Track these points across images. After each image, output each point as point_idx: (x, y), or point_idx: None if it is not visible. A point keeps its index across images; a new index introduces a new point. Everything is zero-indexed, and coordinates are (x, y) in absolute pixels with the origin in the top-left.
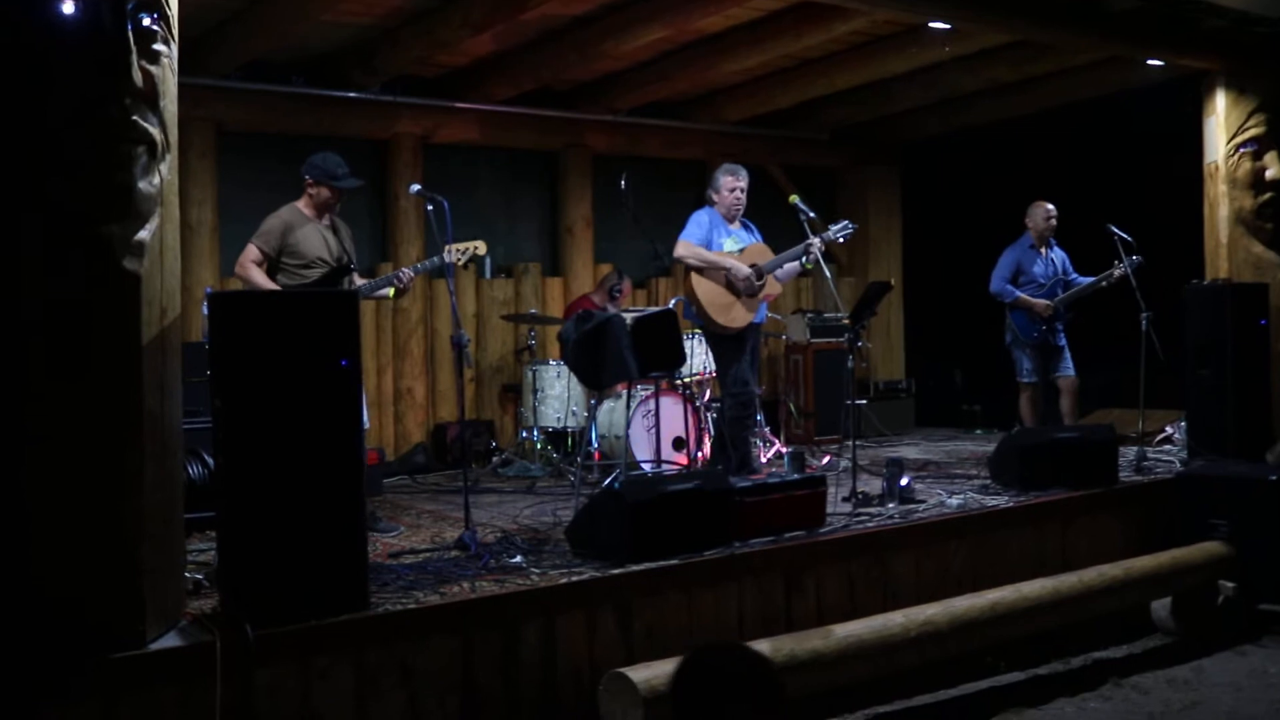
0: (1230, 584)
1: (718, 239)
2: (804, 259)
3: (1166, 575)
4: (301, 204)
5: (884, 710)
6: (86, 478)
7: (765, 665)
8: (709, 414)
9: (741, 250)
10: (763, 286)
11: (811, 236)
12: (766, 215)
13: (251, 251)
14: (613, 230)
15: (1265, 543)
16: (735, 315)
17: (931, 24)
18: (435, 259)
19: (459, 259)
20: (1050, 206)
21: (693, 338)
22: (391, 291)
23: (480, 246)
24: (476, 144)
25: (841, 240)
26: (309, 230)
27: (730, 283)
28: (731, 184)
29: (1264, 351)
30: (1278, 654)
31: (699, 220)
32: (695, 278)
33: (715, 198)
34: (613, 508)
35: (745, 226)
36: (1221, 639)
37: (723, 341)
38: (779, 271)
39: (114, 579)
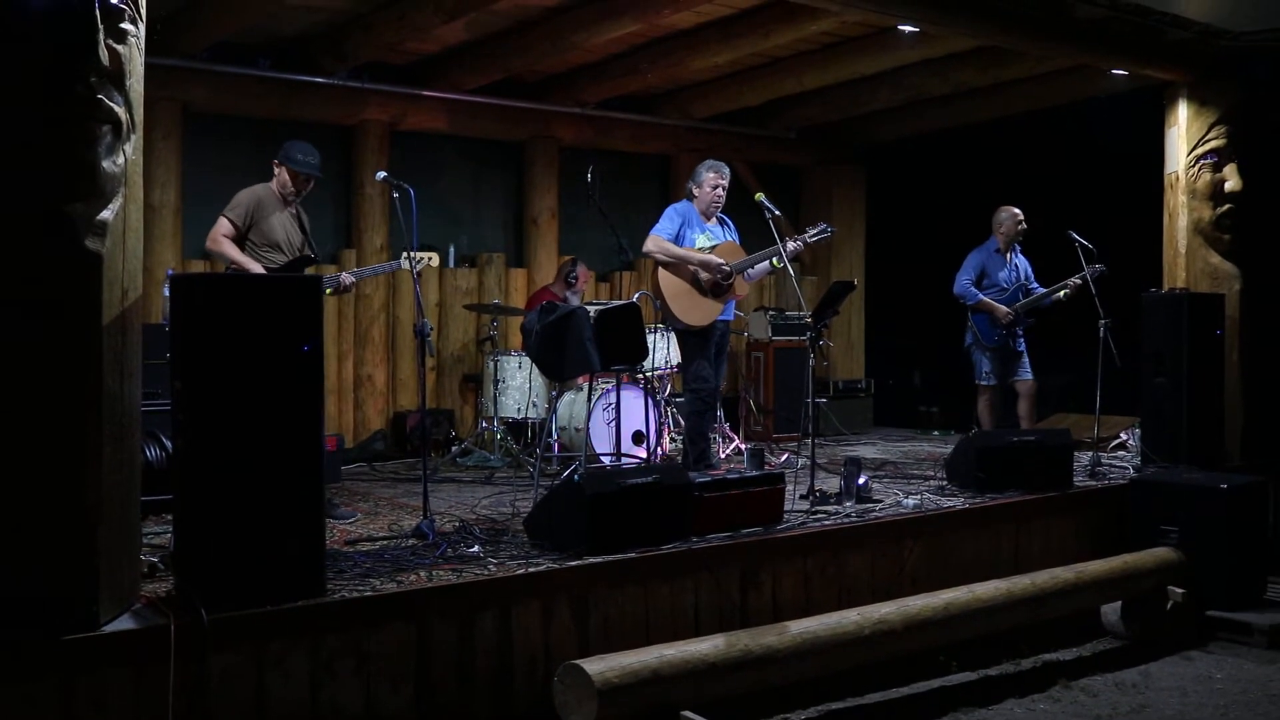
0: (1180, 590)
1: (690, 234)
2: (775, 259)
3: (1118, 580)
4: (273, 186)
5: (836, 707)
6: (44, 458)
7: None
8: (670, 409)
9: (713, 248)
10: (730, 286)
11: (786, 238)
12: (730, 212)
13: (223, 225)
14: (578, 222)
15: (1214, 550)
16: (700, 312)
17: (901, 26)
18: (382, 265)
19: (412, 268)
20: (1018, 211)
21: (655, 331)
22: (329, 291)
23: (434, 259)
24: (443, 133)
25: (813, 242)
26: (277, 214)
27: (697, 279)
28: (714, 180)
29: (1218, 361)
30: (1224, 660)
31: (672, 214)
32: (662, 273)
33: (696, 192)
34: (571, 500)
35: (722, 223)
36: (1169, 644)
37: (687, 337)
38: (749, 271)
39: (69, 560)
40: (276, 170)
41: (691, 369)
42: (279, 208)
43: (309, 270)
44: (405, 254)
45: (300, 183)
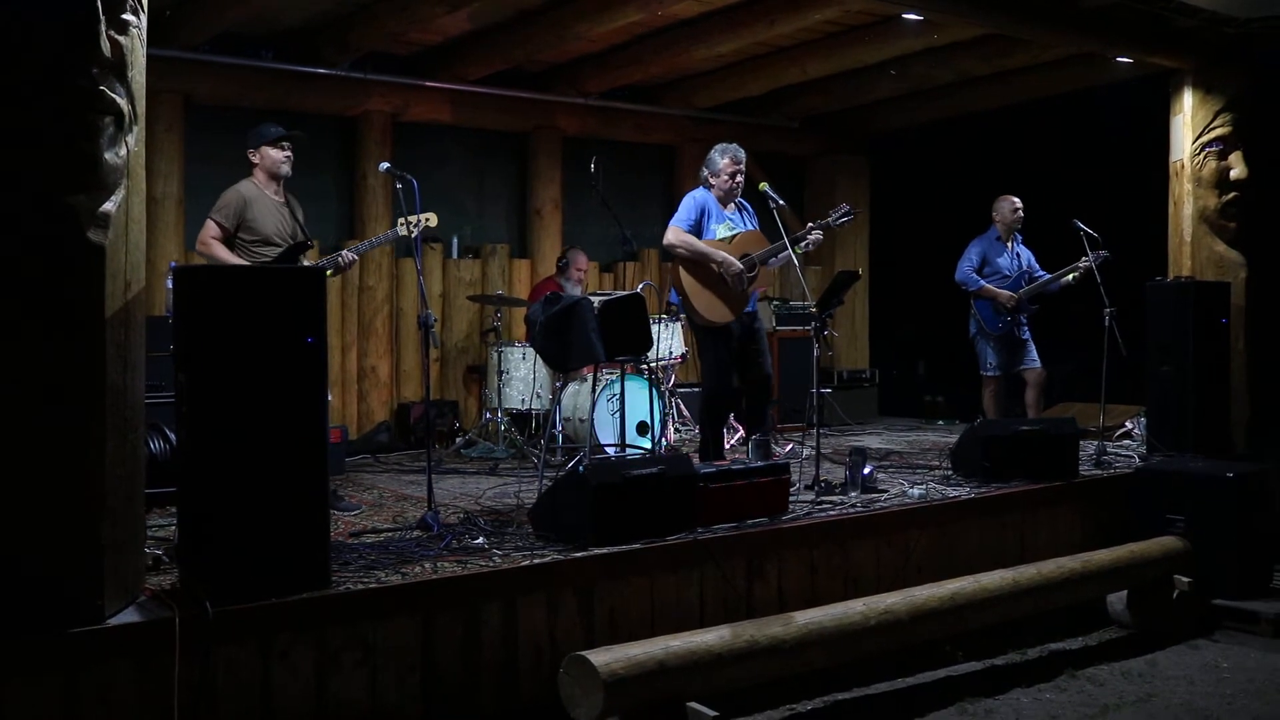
0: (1185, 579)
1: (710, 225)
2: (797, 246)
3: (1123, 569)
4: (256, 179)
5: (843, 697)
6: (47, 451)
7: None
8: (674, 399)
9: (734, 237)
10: (754, 279)
11: (808, 224)
12: None
13: (211, 228)
14: (581, 213)
15: (1220, 539)
16: (723, 309)
17: (905, 15)
18: (381, 236)
19: (410, 232)
20: (1017, 200)
21: (659, 322)
22: (330, 271)
23: (431, 218)
24: (447, 123)
25: (837, 226)
26: (266, 206)
27: (720, 276)
28: (731, 166)
29: (1224, 350)
30: (1230, 649)
31: (691, 205)
32: (683, 269)
33: (712, 180)
34: (576, 491)
35: (740, 209)
36: (1176, 633)
37: (705, 333)
38: (771, 260)
39: (74, 553)
40: (257, 159)
41: (710, 366)
42: (267, 199)
43: (306, 258)
44: (401, 220)
45: (285, 153)
